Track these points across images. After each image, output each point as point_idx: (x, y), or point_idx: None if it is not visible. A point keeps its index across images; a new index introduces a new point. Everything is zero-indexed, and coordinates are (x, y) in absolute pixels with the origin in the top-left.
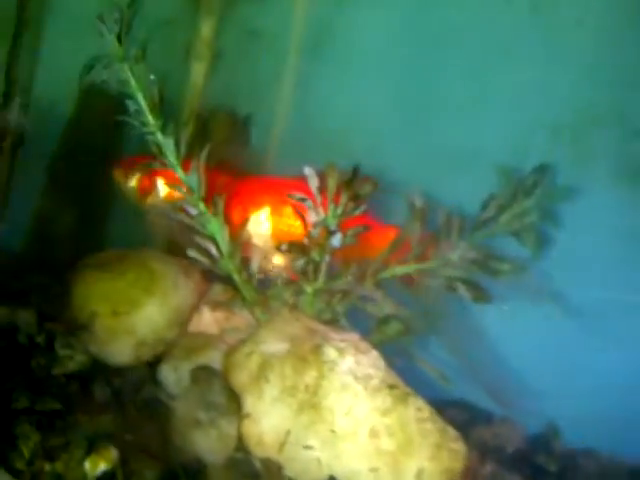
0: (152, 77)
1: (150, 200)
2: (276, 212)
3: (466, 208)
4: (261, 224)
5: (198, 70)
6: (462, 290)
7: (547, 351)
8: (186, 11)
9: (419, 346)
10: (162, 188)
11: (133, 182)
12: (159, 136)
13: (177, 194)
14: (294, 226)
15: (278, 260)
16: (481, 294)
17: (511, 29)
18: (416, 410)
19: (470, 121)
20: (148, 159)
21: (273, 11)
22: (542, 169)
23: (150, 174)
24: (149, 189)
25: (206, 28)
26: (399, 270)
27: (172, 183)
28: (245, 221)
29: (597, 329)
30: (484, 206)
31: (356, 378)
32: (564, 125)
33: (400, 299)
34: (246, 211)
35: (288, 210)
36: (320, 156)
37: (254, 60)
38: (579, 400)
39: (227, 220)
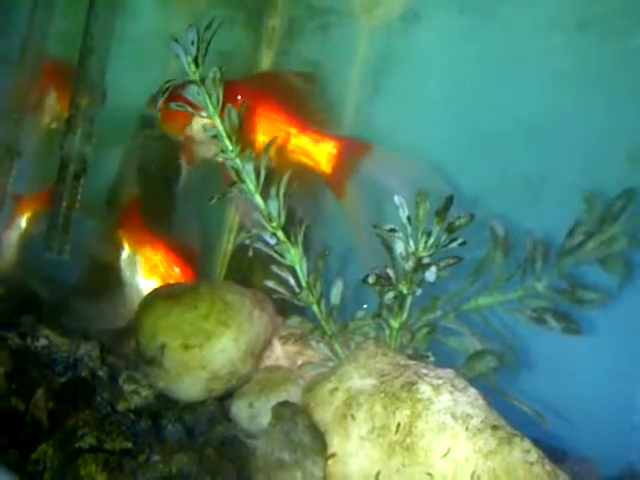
0: (239, 97)
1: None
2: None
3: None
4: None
5: None
6: (551, 321)
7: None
8: (247, 44)
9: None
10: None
11: None
12: (238, 162)
13: None
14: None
15: None
16: (573, 325)
17: (583, 55)
18: (523, 452)
19: (544, 147)
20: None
21: (334, 42)
22: (629, 194)
23: None
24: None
25: (267, 60)
26: (482, 301)
27: None
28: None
29: None
30: (570, 233)
31: (454, 417)
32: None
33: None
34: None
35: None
36: None
37: None
38: None
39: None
